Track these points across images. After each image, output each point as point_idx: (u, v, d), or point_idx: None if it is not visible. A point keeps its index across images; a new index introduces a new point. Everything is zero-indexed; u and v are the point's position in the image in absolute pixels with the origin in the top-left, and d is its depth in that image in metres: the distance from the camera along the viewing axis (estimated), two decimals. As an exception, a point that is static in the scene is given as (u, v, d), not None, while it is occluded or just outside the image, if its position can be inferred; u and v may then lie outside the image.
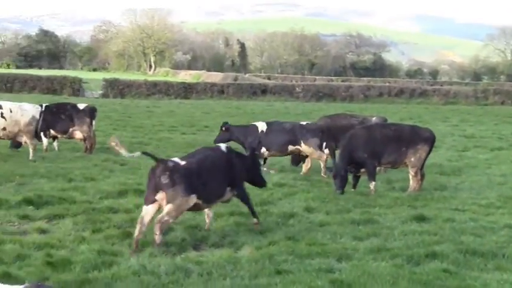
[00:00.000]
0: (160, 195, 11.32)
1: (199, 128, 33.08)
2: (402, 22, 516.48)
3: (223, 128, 20.00)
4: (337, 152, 19.53)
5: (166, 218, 11.30)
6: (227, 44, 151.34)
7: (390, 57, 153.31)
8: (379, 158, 17.11)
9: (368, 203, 15.53)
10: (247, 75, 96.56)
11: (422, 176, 17.48)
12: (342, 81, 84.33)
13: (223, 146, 13.08)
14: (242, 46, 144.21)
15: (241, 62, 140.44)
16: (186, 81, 71.65)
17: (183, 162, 11.80)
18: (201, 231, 12.31)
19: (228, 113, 43.48)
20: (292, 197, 15.94)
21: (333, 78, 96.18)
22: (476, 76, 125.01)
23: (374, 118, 21.08)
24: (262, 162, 18.98)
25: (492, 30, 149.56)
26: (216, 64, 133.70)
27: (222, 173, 12.38)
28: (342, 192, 16.33)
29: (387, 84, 75.14)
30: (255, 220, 12.86)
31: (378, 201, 15.63)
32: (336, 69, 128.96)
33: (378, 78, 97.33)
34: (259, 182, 13.79)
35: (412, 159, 17.13)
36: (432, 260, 10.69)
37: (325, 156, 19.66)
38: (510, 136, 32.57)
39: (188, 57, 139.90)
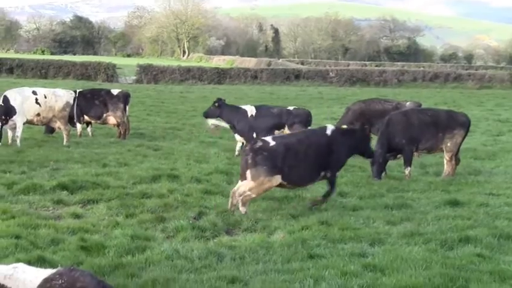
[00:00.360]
0: (247, 173, 12.38)
1: (233, 113, 33.03)
2: (437, 6, 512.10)
3: (216, 104, 19.95)
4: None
5: (248, 193, 12.45)
6: (261, 29, 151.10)
7: (424, 41, 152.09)
8: (417, 143, 17.04)
9: (401, 187, 15.48)
10: (280, 60, 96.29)
11: (458, 161, 17.40)
12: (376, 66, 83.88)
13: (329, 129, 13.61)
14: (276, 31, 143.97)
15: (275, 47, 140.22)
16: (220, 66, 71.58)
17: (272, 144, 12.67)
18: (234, 216, 12.33)
19: (261, 98, 43.36)
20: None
21: (367, 63, 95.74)
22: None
23: (408, 103, 20.94)
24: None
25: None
26: (250, 49, 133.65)
27: (319, 157, 13.07)
28: (380, 179, 16.28)
29: (421, 68, 74.54)
30: (320, 198, 13.30)
31: (412, 186, 15.58)
32: (370, 54, 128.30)
33: (412, 63, 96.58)
34: (368, 154, 14.79)
35: (449, 144, 17.03)
36: (465, 245, 10.65)
37: None
38: (546, 120, 32.24)
39: (222, 42, 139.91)
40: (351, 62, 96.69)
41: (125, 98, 22.90)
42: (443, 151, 17.17)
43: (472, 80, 61.81)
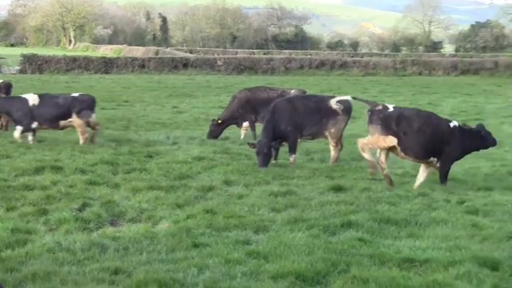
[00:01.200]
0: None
1: (119, 102, 32.70)
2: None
3: None
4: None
5: (365, 142, 15.15)
6: (148, 17, 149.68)
7: (311, 29, 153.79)
8: (302, 130, 17.23)
9: (287, 174, 15.65)
10: (168, 49, 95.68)
11: (341, 147, 17.70)
12: (264, 54, 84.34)
13: (453, 123, 14.75)
14: (164, 20, 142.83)
15: (163, 36, 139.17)
16: (107, 56, 70.75)
17: (390, 109, 14.85)
18: (119, 207, 12.21)
19: (148, 87, 43.17)
20: (211, 170, 15.94)
21: (255, 51, 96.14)
22: (396, 47, 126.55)
23: (293, 90, 21.17)
24: (30, 136, 19.08)
25: (410, 1, 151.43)
26: (138, 38, 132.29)
27: (433, 140, 14.42)
28: (266, 167, 16.37)
29: (308, 56, 75.45)
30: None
31: (297, 173, 15.77)
32: (258, 42, 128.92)
33: (299, 51, 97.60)
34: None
35: (332, 130, 17.32)
36: (347, 229, 10.84)
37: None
38: (426, 106, 33.00)
39: (109, 31, 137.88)
40: (239, 50, 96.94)
41: (6, 88, 22.37)
42: (326, 137, 17.44)
43: (357, 67, 62.94)
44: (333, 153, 17.48)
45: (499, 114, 30.10)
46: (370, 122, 14.91)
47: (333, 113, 17.40)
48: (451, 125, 14.61)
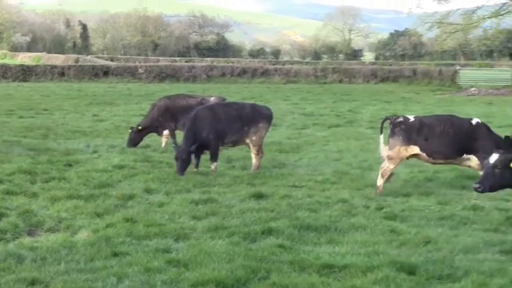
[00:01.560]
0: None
1: (38, 111, 32.15)
2: (245, 2, 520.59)
3: None
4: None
5: (387, 165, 14.99)
6: (68, 25, 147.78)
7: (233, 37, 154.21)
8: (224, 138, 17.23)
9: (208, 182, 15.62)
10: (89, 56, 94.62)
11: (262, 154, 17.77)
12: (186, 61, 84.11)
13: (474, 120, 15.26)
14: (84, 27, 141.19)
15: (83, 43, 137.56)
16: (25, 63, 69.55)
17: (411, 119, 15.27)
18: (37, 217, 12.01)
19: (68, 95, 42.61)
20: (132, 178, 15.82)
21: (177, 59, 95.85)
22: (317, 55, 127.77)
23: (213, 98, 21.17)
24: None
25: (331, 10, 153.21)
26: (57, 46, 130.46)
27: (458, 140, 14.82)
28: (183, 175, 16.31)
29: (230, 64, 75.55)
30: None
31: (218, 181, 15.75)
32: (180, 50, 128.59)
33: (221, 59, 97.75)
34: None
35: (254, 137, 17.35)
36: (268, 236, 10.90)
37: None
38: (347, 113, 33.53)
39: (27, 39, 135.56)
40: (160, 58, 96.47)
41: None
42: (247, 144, 17.49)
43: (278, 75, 63.22)
44: (254, 160, 17.53)
45: (417, 121, 30.53)
46: (392, 134, 15.26)
47: (254, 120, 17.45)
48: (473, 122, 15.20)
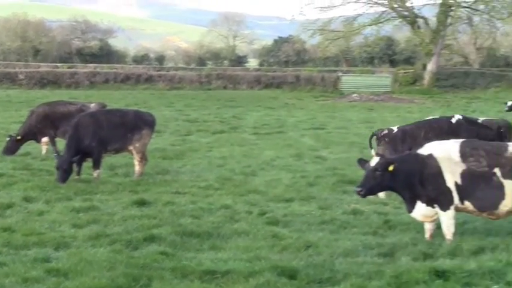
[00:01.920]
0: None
1: None
2: (128, 8, 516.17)
3: None
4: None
5: None
6: None
7: (117, 43, 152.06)
8: (107, 145, 17.04)
9: (90, 190, 15.45)
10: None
11: (145, 161, 17.65)
12: (68, 67, 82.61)
13: (455, 118, 16.01)
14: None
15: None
16: None
17: (394, 130, 16.09)
18: None
19: None
20: (11, 187, 15.51)
21: (58, 64, 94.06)
22: (202, 61, 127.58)
23: (93, 104, 20.92)
24: None
25: (215, 16, 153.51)
26: None
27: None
28: (64, 183, 16.02)
29: (113, 70, 74.62)
30: None
31: (100, 188, 15.60)
32: (62, 56, 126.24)
33: (104, 65, 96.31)
34: None
35: (137, 144, 17.24)
36: (150, 244, 10.87)
37: None
38: (231, 119, 33.68)
39: None
40: (41, 64, 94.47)
41: None
42: (130, 151, 17.35)
43: (163, 81, 62.86)
44: (137, 167, 17.40)
45: (300, 127, 31.04)
46: (379, 148, 15.81)
47: (137, 127, 17.33)
48: (453, 120, 15.85)
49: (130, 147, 17.31)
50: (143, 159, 17.43)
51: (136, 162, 17.43)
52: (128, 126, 17.26)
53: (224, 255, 10.16)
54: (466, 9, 60.66)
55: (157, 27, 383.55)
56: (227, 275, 9.29)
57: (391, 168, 11.02)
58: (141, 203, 13.98)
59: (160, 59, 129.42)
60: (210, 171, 18.49)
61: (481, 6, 60.23)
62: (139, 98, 47.56)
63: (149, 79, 63.15)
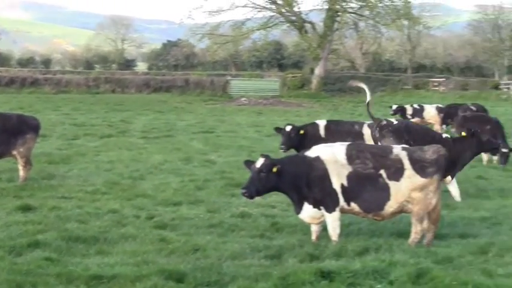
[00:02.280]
0: None
1: None
2: (14, 10, 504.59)
3: None
4: None
5: None
6: None
7: (2, 45, 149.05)
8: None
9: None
10: None
11: (30, 166, 17.29)
12: None
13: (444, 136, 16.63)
14: None
15: None
16: None
17: (394, 122, 16.93)
18: None
19: None
20: None
21: None
22: (89, 65, 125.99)
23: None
24: None
25: (102, 19, 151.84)
26: None
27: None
28: None
29: (-2, 73, 72.92)
30: None
31: (-17, 194, 15.19)
32: None
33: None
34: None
35: (21, 149, 16.88)
36: (35, 249, 10.61)
37: None
38: (119, 123, 33.36)
39: None
40: None
41: None
42: (14, 156, 16.97)
43: (49, 84, 61.74)
44: (21, 172, 17.02)
45: (189, 130, 31.04)
46: (382, 137, 16.38)
47: (21, 131, 16.96)
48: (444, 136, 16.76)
49: (14, 152, 16.93)
50: (28, 164, 17.07)
51: (20, 167, 17.04)
52: (11, 131, 16.86)
53: (111, 260, 10.05)
54: (352, 14, 62.04)
55: (44, 30, 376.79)
56: (114, 279, 9.20)
57: (275, 169, 11.12)
58: (26, 208, 13.67)
59: (47, 62, 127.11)
60: (98, 175, 18.26)
61: (367, 12, 61.69)
62: (25, 102, 46.52)
63: (35, 82, 61.92)
